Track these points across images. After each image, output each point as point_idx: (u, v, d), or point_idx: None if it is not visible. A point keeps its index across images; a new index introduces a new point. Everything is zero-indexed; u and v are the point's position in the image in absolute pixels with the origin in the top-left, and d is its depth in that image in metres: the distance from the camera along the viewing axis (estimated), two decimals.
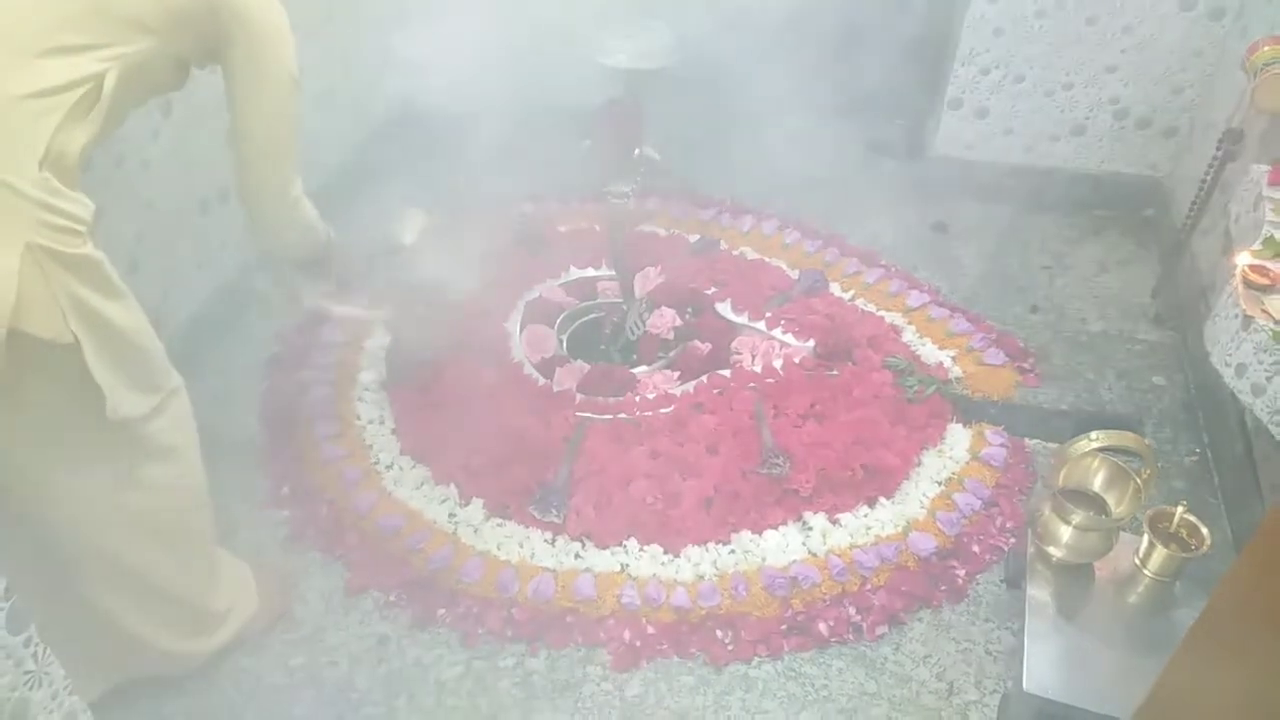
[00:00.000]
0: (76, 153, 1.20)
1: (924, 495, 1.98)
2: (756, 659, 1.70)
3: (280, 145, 1.46)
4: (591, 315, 2.55)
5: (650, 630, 1.73)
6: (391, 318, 2.12)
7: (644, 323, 2.43)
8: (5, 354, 1.12)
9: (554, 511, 1.91)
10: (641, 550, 1.86)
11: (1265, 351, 1.52)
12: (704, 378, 2.26)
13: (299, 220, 1.58)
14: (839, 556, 1.83)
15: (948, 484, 2.00)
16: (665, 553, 1.85)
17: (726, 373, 2.28)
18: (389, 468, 2.06)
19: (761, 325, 2.44)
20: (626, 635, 1.72)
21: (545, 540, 1.88)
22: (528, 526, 1.91)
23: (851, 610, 1.75)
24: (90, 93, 1.20)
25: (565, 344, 2.44)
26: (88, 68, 1.19)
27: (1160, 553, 1.54)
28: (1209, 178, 2.25)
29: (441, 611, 1.76)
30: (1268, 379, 1.53)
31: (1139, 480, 1.60)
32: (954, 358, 2.35)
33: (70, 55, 1.18)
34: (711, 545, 1.87)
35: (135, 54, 1.25)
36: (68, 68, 1.17)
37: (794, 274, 2.65)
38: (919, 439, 2.09)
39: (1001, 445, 2.09)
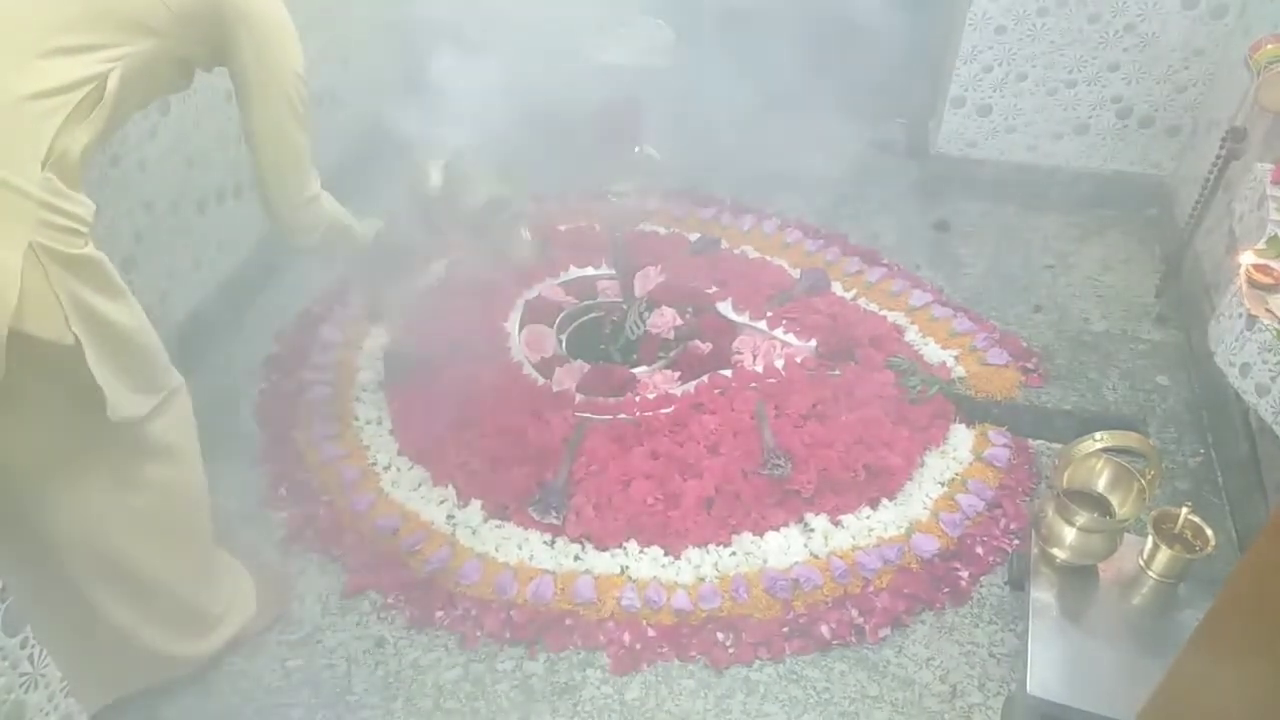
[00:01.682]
0: (79, 153, 1.19)
1: (927, 496, 1.97)
2: (758, 662, 1.69)
3: (292, 144, 1.46)
4: (591, 315, 2.54)
5: (650, 633, 1.72)
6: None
7: (644, 322, 2.42)
8: (5, 354, 1.11)
9: (553, 513, 1.90)
10: (641, 552, 1.84)
11: (1270, 351, 1.51)
12: (705, 378, 2.25)
13: (317, 220, 1.57)
14: (841, 558, 1.82)
15: (950, 485, 1.99)
16: (665, 554, 1.84)
17: (727, 372, 2.27)
18: (387, 468, 2.05)
19: (763, 325, 2.43)
20: (626, 638, 1.71)
21: (544, 542, 1.87)
22: (526, 528, 1.90)
23: (854, 612, 1.74)
24: (93, 93, 1.20)
25: (565, 344, 2.43)
26: (91, 68, 1.19)
27: (1164, 554, 1.54)
28: (1212, 176, 2.24)
29: (439, 613, 1.76)
30: (1272, 379, 1.52)
31: (1143, 481, 1.59)
32: (957, 357, 2.34)
33: (73, 56, 1.18)
34: (712, 547, 1.85)
35: (138, 55, 1.25)
36: (71, 68, 1.17)
37: (795, 273, 2.63)
38: (922, 439, 2.08)
39: (1005, 446, 2.08)
